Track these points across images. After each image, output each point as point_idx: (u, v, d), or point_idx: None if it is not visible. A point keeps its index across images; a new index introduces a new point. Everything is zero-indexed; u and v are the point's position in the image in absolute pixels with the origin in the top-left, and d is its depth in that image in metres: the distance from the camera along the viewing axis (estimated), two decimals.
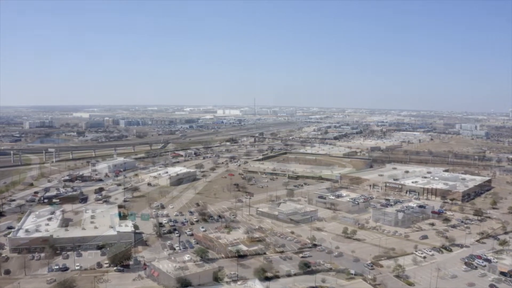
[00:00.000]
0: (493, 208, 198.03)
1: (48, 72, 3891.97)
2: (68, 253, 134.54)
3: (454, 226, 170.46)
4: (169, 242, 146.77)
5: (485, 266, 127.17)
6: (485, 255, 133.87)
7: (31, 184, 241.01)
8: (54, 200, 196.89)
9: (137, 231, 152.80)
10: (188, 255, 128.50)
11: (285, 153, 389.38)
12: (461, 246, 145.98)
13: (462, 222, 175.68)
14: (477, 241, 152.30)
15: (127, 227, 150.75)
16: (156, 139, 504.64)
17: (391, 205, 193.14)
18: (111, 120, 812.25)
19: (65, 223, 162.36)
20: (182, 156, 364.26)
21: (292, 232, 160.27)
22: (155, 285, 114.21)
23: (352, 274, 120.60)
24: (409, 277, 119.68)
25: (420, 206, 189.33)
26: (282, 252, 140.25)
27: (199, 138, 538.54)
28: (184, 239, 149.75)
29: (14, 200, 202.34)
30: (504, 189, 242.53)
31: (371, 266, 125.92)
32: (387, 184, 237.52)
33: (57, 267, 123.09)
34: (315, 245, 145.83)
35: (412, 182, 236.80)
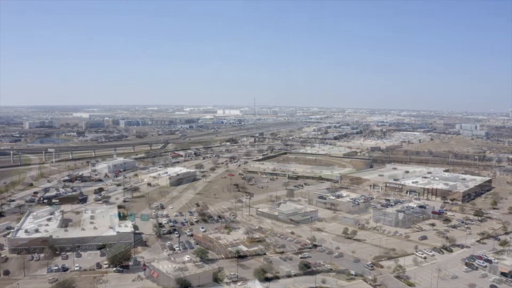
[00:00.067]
0: (494, 208, 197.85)
1: (48, 72, 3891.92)
2: (68, 253, 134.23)
3: (454, 227, 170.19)
4: (168, 242, 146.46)
5: (485, 266, 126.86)
6: (485, 256, 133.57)
7: (31, 184, 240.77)
8: (53, 201, 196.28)
9: (136, 231, 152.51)
10: (188, 256, 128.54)
11: (285, 153, 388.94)
12: (462, 246, 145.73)
13: (462, 222, 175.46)
14: (478, 241, 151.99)
15: (127, 227, 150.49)
16: (156, 139, 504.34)
17: (392, 205, 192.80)
18: (111, 120, 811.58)
19: (65, 223, 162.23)
20: (182, 156, 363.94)
21: (292, 233, 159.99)
22: (154, 285, 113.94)
23: (352, 274, 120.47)
24: (409, 277, 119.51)
25: (421, 207, 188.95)
26: (282, 252, 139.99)
27: (199, 138, 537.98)
28: (184, 239, 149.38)
29: (13, 200, 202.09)
30: (505, 189, 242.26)
31: (372, 266, 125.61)
32: (387, 184, 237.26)
33: (57, 267, 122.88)
34: (315, 246, 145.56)
35: (413, 182, 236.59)
